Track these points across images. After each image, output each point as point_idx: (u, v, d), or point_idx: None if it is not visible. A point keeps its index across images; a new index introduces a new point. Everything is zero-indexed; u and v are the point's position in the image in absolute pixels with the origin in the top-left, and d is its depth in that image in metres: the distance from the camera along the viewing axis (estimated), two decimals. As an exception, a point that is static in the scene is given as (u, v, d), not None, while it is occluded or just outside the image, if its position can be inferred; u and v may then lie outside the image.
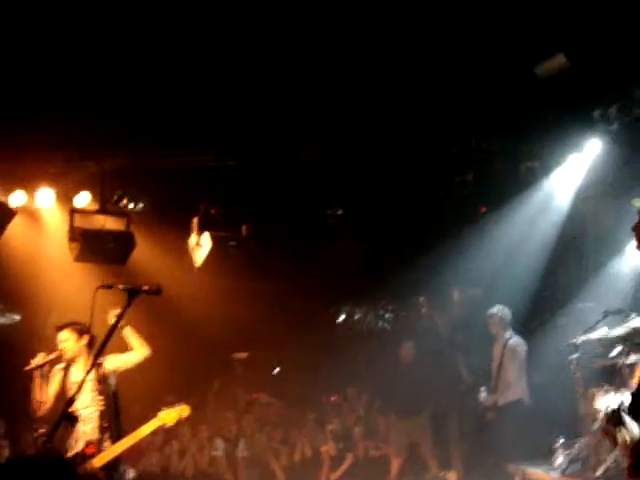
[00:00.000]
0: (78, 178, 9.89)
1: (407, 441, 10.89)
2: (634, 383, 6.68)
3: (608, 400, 7.36)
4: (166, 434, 10.93)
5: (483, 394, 9.71)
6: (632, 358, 6.89)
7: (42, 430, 6.28)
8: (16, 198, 9.47)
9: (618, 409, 3.72)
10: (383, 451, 11.30)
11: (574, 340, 7.93)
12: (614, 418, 3.70)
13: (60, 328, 6.79)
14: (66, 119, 8.55)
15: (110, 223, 9.83)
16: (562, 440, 8.41)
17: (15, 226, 9.46)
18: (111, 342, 4.95)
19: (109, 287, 4.85)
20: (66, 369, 6.75)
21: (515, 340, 9.68)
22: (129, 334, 6.81)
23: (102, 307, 4.93)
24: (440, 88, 8.99)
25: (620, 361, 7.17)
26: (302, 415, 11.83)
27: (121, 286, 4.83)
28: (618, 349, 7.23)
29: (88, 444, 6.45)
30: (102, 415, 6.59)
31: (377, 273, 11.84)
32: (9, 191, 9.42)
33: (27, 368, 6.55)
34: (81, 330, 6.73)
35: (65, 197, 9.85)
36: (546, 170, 10.19)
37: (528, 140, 10.20)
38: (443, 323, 12.28)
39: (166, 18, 7.29)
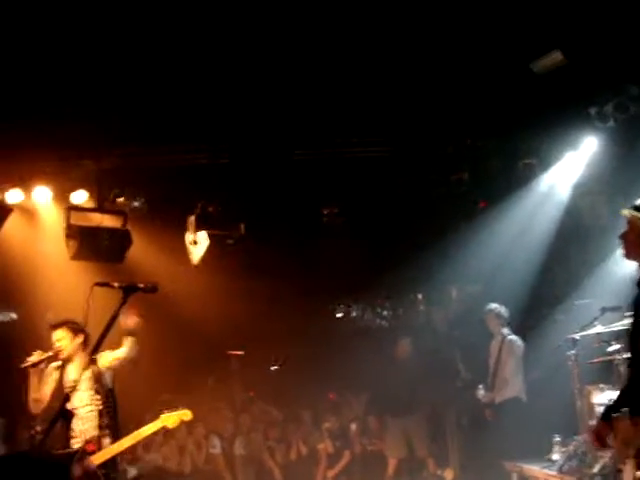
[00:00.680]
0: (75, 176, 9.87)
1: (403, 439, 10.89)
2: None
3: (604, 397, 7.38)
4: (163, 432, 10.94)
5: (481, 391, 9.74)
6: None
7: (38, 428, 6.28)
8: (12, 196, 9.45)
9: None
10: (379, 447, 11.31)
11: (572, 336, 7.93)
12: None
13: (55, 326, 6.78)
14: (63, 117, 8.53)
15: (107, 221, 9.81)
16: (559, 437, 8.42)
17: (12, 224, 9.45)
18: (108, 340, 4.93)
19: (105, 285, 4.82)
20: (62, 367, 6.73)
21: (513, 337, 9.69)
22: (130, 344, 6.73)
23: (98, 305, 4.89)
24: (436, 87, 9.00)
25: (617, 358, 7.16)
26: (299, 413, 11.83)
27: (116, 284, 4.80)
28: (615, 346, 7.23)
29: (88, 442, 6.45)
30: (100, 413, 6.58)
31: (374, 270, 11.84)
32: (5, 189, 9.40)
33: (23, 365, 6.54)
34: (76, 329, 6.71)
35: (62, 195, 9.84)
36: (543, 167, 10.21)
37: (525, 137, 10.21)
38: (441, 320, 12.32)
39: (160, 17, 7.29)
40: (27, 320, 10.46)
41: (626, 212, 4.38)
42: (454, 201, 11.06)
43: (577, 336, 7.92)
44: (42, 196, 9.76)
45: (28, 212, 10.00)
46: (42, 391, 6.57)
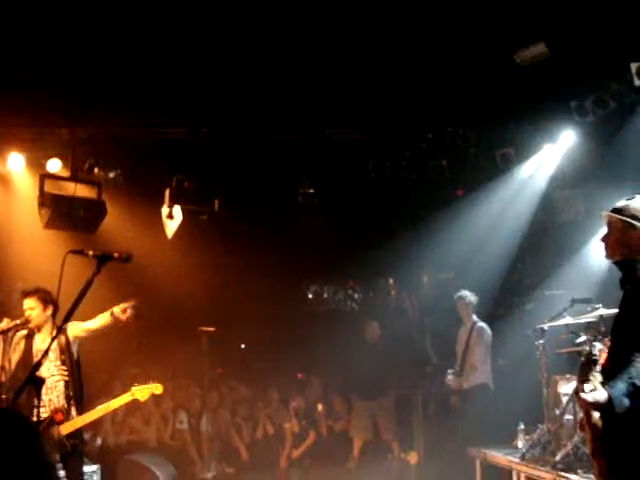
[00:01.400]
0: (49, 144, 9.77)
1: (370, 421, 10.96)
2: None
3: (570, 387, 7.47)
4: (129, 404, 10.92)
5: (450, 376, 9.81)
6: (596, 346, 6.95)
7: (4, 396, 6.22)
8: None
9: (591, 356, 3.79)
10: (345, 428, 11.38)
11: (540, 326, 8.01)
12: (589, 364, 3.77)
13: (26, 294, 6.68)
14: (39, 85, 8.41)
15: (81, 191, 9.71)
16: (523, 425, 8.52)
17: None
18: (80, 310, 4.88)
19: (79, 252, 4.75)
20: (30, 337, 6.65)
21: (482, 324, 9.77)
22: (108, 320, 6.65)
23: (72, 273, 4.83)
24: (419, 73, 9.00)
25: (584, 349, 7.23)
26: (266, 392, 11.85)
27: (91, 252, 4.73)
28: (583, 337, 7.30)
29: (56, 411, 6.40)
30: (67, 384, 6.53)
31: (347, 253, 11.87)
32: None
33: (-10, 332, 6.47)
34: (47, 299, 6.63)
35: (36, 163, 9.74)
36: (520, 158, 10.27)
37: (504, 128, 10.26)
38: (412, 305, 12.37)
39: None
40: (-1, 287, 10.34)
41: (606, 214, 4.42)
42: (431, 187, 11.10)
43: (546, 326, 7.99)
44: (16, 163, 9.65)
45: (1, 179, 9.88)
46: (8, 359, 6.50)
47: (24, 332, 6.65)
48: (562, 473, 6.91)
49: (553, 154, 10.12)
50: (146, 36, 8.13)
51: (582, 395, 3.80)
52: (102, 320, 6.61)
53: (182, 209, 10.40)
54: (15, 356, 6.54)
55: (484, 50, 8.63)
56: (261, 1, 7.59)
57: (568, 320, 7.68)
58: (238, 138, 10.35)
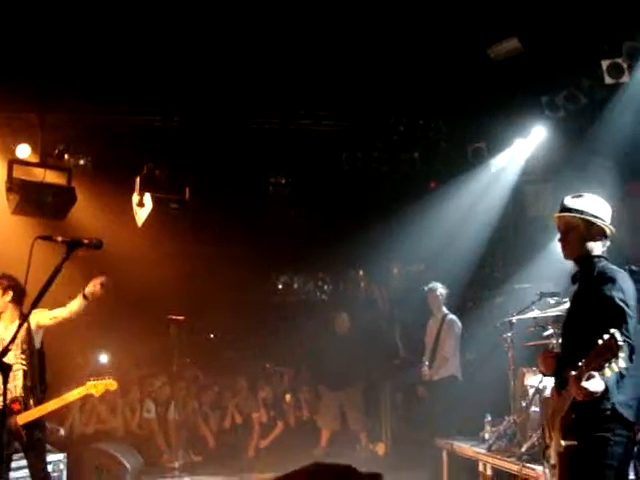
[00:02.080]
0: (19, 130, 9.64)
1: (338, 412, 11.01)
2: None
3: (536, 380, 7.54)
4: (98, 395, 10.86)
5: (425, 368, 9.75)
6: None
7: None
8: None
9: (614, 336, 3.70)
10: (313, 418, 11.41)
11: (509, 319, 8.07)
12: (614, 342, 3.68)
13: None
14: (7, 69, 8.30)
15: (50, 177, 9.60)
16: (490, 417, 8.59)
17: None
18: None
19: (48, 238, 4.67)
20: (-8, 324, 6.57)
21: (452, 316, 9.82)
22: (79, 303, 6.56)
23: (40, 260, 4.77)
24: (392, 66, 9.02)
25: (551, 342, 7.32)
26: (235, 381, 11.84)
27: (60, 238, 4.66)
28: (550, 330, 7.38)
29: (14, 400, 6.32)
30: (25, 374, 6.44)
31: (318, 244, 11.87)
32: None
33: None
34: (6, 285, 6.55)
35: (5, 148, 9.59)
36: (492, 152, 10.33)
37: (476, 122, 10.32)
38: (382, 297, 12.41)
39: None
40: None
41: (566, 215, 4.47)
42: (402, 180, 11.14)
43: (514, 319, 8.05)
44: (-17, 147, 9.51)
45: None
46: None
47: None
48: (527, 464, 6.98)
49: (524, 149, 10.19)
50: (120, 22, 8.07)
51: (584, 385, 3.80)
52: (74, 306, 6.50)
53: (152, 197, 10.35)
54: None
55: (458, 44, 8.67)
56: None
57: (536, 313, 7.75)
58: (210, 126, 10.30)
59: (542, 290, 7.92)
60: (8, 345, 4.61)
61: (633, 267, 5.33)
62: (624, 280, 4.25)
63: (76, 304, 6.51)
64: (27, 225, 9.52)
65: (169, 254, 10.99)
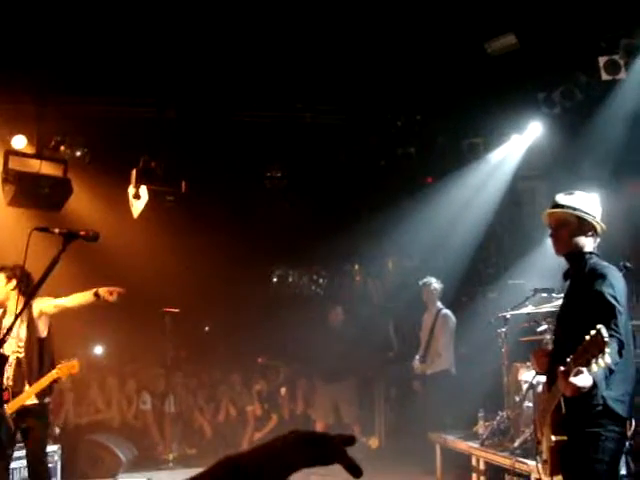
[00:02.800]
0: (15, 120, 9.63)
1: (332, 405, 11.03)
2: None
3: (529, 375, 7.58)
4: (96, 386, 10.91)
5: (417, 362, 9.81)
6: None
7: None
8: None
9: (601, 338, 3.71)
10: (307, 411, 11.45)
11: (503, 314, 8.11)
12: (600, 338, 3.68)
13: None
14: (5, 60, 8.28)
15: (46, 168, 9.60)
16: (483, 411, 8.63)
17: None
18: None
19: (44, 230, 4.69)
20: (-1, 314, 6.59)
21: (447, 311, 9.85)
22: (88, 299, 6.52)
23: (37, 251, 4.78)
24: (391, 61, 9.02)
25: (545, 337, 7.36)
26: (229, 374, 11.87)
27: (57, 230, 4.68)
28: (544, 326, 7.41)
29: (5, 389, 6.33)
30: (19, 362, 6.45)
31: (313, 237, 11.87)
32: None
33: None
34: (9, 275, 6.56)
35: (1, 139, 9.58)
36: (488, 148, 10.35)
37: (472, 117, 10.33)
38: (377, 291, 12.43)
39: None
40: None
41: (559, 211, 4.49)
42: (399, 175, 11.15)
43: (508, 314, 8.09)
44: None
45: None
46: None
47: None
48: (520, 459, 7.02)
49: (520, 144, 10.22)
50: (117, 14, 8.06)
51: (572, 380, 3.82)
52: (81, 298, 6.46)
53: (148, 189, 10.35)
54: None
55: (455, 39, 8.68)
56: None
57: (530, 309, 7.78)
58: (207, 119, 10.30)
59: (536, 286, 7.95)
60: (4, 336, 4.63)
61: (627, 264, 5.36)
62: (615, 276, 4.28)
63: (84, 298, 6.45)
64: (23, 216, 9.53)
65: (164, 246, 11.00)
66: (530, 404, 7.45)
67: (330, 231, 11.52)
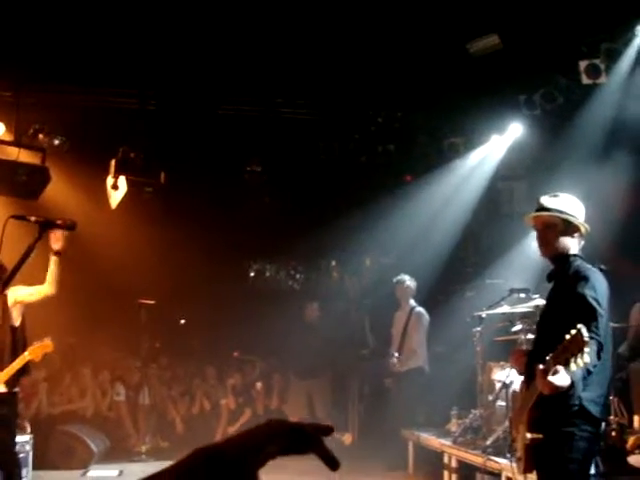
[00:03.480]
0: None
1: (306, 401, 11.03)
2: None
3: (503, 375, 7.63)
4: (70, 376, 10.85)
5: (394, 359, 9.78)
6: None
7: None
8: None
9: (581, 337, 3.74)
10: (281, 406, 11.44)
11: (479, 313, 8.14)
12: (580, 337, 3.71)
13: None
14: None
15: (24, 156, 9.52)
16: (457, 410, 8.68)
17: None
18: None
19: (21, 218, 4.62)
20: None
21: (420, 309, 9.83)
22: (55, 265, 6.37)
23: (12, 239, 4.73)
24: (373, 58, 9.03)
25: (520, 337, 7.40)
26: (204, 367, 11.84)
27: (33, 218, 4.62)
28: (519, 326, 7.46)
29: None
30: None
31: (292, 233, 11.88)
32: None
33: None
34: None
35: (-23, 126, 9.50)
36: (468, 148, 10.39)
37: (453, 117, 10.37)
38: (353, 288, 12.44)
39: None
40: None
41: (545, 214, 4.52)
42: (378, 172, 11.18)
43: (484, 314, 8.13)
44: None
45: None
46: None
47: None
48: (492, 457, 7.07)
49: (500, 145, 10.27)
50: (100, 5, 8.02)
51: (550, 379, 3.84)
52: (52, 272, 6.27)
53: (127, 180, 10.30)
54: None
55: (438, 38, 8.71)
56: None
57: (505, 309, 7.82)
58: (187, 111, 10.27)
59: (514, 286, 8.00)
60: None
61: (602, 266, 5.40)
62: (597, 279, 4.32)
63: (53, 268, 6.30)
64: (1, 203, 9.44)
65: (142, 237, 10.94)
66: (503, 403, 7.51)
67: (308, 227, 11.53)
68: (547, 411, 4.19)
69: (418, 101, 10.24)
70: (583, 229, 4.51)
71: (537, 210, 4.58)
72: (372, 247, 12.16)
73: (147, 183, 10.85)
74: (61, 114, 9.87)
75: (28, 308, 6.63)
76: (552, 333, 4.17)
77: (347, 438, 10.94)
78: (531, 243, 9.24)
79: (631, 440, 6.46)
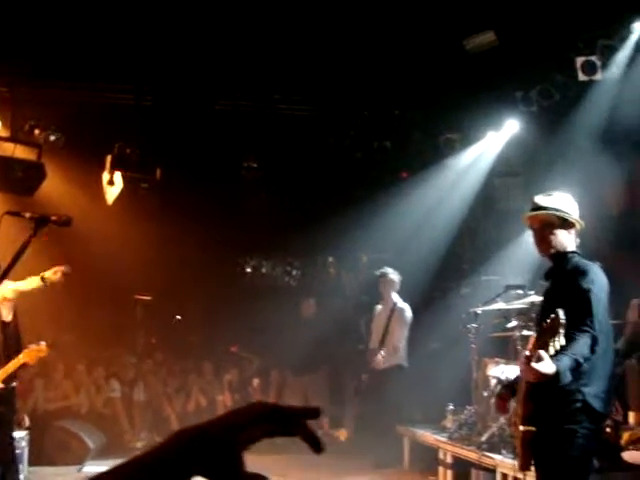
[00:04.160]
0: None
1: (302, 397, 11.04)
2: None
3: (498, 371, 7.64)
4: (65, 372, 10.84)
5: (379, 356, 9.74)
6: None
7: None
8: None
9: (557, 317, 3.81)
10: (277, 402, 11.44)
11: (474, 310, 8.15)
12: (557, 320, 3.78)
13: None
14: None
15: (20, 152, 9.51)
16: (452, 406, 8.69)
17: None
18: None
19: (16, 214, 4.62)
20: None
21: (403, 305, 9.69)
22: (37, 284, 6.40)
23: (7, 235, 4.72)
24: (370, 54, 9.03)
25: (515, 334, 7.42)
26: (200, 364, 11.84)
27: (28, 214, 4.60)
28: (514, 322, 7.48)
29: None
30: None
31: (288, 229, 11.87)
32: None
33: None
34: None
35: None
36: (464, 144, 10.39)
37: (450, 113, 10.37)
38: (350, 284, 12.44)
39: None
40: None
41: (542, 213, 4.53)
42: (374, 168, 11.17)
43: (479, 310, 8.14)
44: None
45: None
46: None
47: None
48: (486, 453, 7.09)
49: (496, 142, 10.27)
50: (96, 1, 8.00)
51: (533, 365, 3.85)
52: (33, 283, 6.39)
53: (123, 176, 10.29)
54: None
55: (434, 35, 8.70)
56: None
57: (501, 305, 7.84)
58: (184, 107, 10.25)
59: (510, 282, 8.01)
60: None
61: (598, 263, 5.40)
62: (596, 273, 4.35)
63: (35, 282, 6.36)
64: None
65: (138, 233, 10.93)
66: (498, 399, 7.51)
67: (305, 223, 11.52)
68: (547, 406, 4.20)
69: (414, 97, 10.24)
70: (578, 226, 4.54)
71: (532, 209, 4.59)
72: (368, 243, 12.15)
73: (143, 179, 10.85)
74: (57, 110, 9.85)
75: (21, 304, 6.63)
76: None
77: (342, 434, 10.95)
78: (527, 240, 9.31)
79: (626, 436, 6.48)
